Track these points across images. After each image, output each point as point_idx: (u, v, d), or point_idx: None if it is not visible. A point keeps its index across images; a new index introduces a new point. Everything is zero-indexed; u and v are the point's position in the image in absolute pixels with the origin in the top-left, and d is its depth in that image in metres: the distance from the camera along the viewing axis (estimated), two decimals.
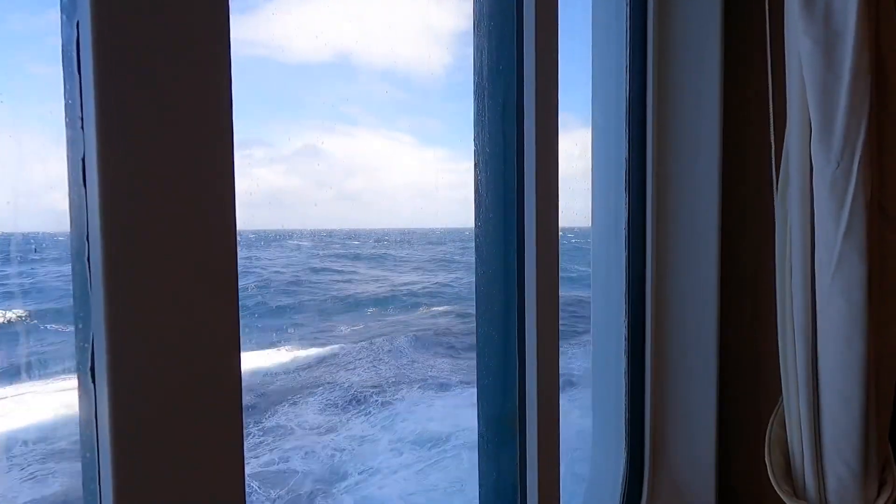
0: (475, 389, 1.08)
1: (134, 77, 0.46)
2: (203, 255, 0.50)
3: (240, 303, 0.53)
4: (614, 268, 1.43)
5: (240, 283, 0.52)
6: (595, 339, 1.50)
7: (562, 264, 1.03)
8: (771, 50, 1.25)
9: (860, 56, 1.01)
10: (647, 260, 1.42)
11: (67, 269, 0.50)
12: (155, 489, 0.48)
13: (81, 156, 0.46)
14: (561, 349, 1.03)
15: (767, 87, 1.25)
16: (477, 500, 1.09)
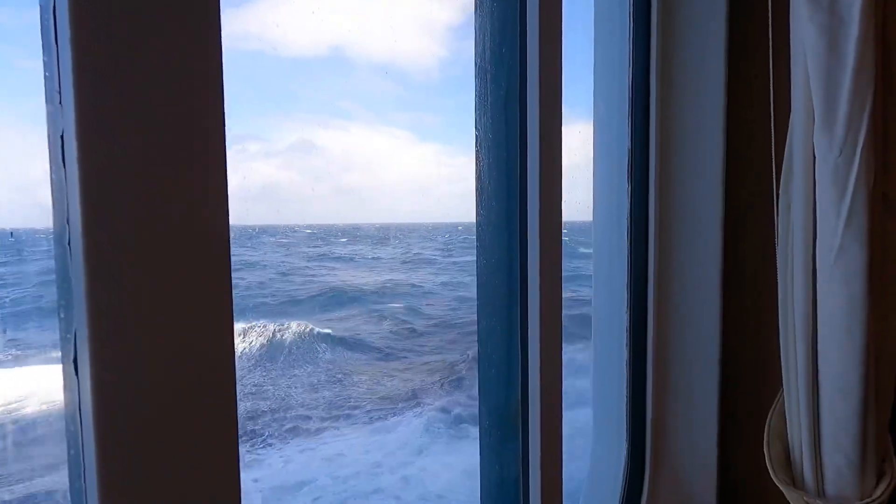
0: None
1: (114, 45, 0.43)
2: (193, 239, 0.47)
3: None
4: (616, 260, 1.42)
5: None
6: (596, 331, 1.49)
7: None
8: (774, 39, 1.23)
9: (865, 41, 1.00)
10: (649, 252, 1.41)
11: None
12: (142, 486, 0.46)
13: (61, 132, 0.43)
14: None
15: (770, 76, 1.24)
16: (479, 494, 1.07)
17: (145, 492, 0.46)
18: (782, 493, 1.25)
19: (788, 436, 1.28)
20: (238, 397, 0.50)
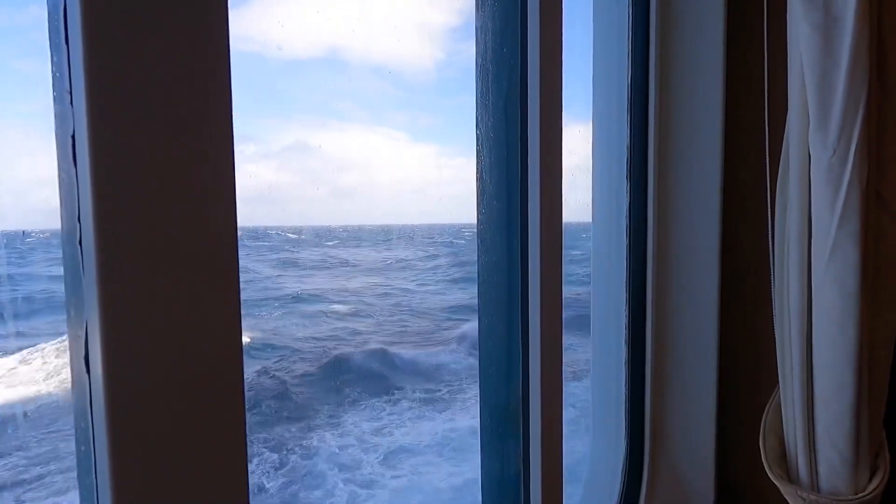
0: None
1: (125, 46, 0.43)
2: (202, 237, 0.47)
3: None
4: (615, 259, 1.42)
5: None
6: (595, 328, 1.49)
7: None
8: (770, 39, 1.24)
9: (859, 40, 1.01)
10: (647, 251, 1.42)
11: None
12: (154, 482, 0.46)
13: (71, 132, 0.43)
14: None
15: (766, 78, 1.25)
16: (479, 492, 1.08)
17: (158, 486, 0.46)
18: (779, 491, 1.27)
19: (784, 431, 1.30)
20: None
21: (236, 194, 0.48)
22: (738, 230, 1.46)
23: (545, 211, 0.94)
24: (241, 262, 0.50)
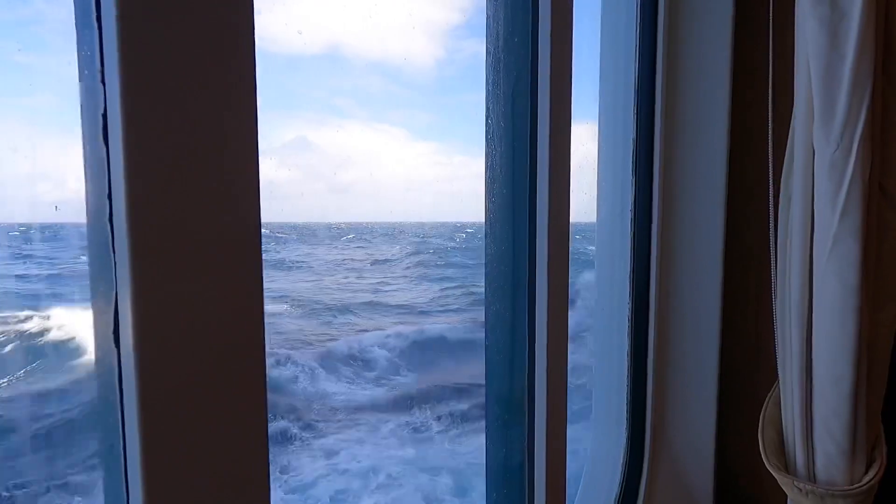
0: None
1: (159, 23, 0.44)
2: (229, 214, 0.48)
3: None
4: (619, 252, 1.43)
5: None
6: (598, 321, 1.51)
7: None
8: (777, 34, 1.25)
9: (865, 34, 1.01)
10: (651, 246, 1.43)
11: None
12: (183, 456, 0.47)
13: (101, 110, 0.44)
14: None
15: (771, 73, 1.25)
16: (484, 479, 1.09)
17: (187, 449, 0.47)
18: (778, 483, 1.28)
19: (782, 423, 1.31)
20: None
21: (260, 174, 0.49)
22: (741, 226, 1.47)
23: (554, 201, 0.95)
24: None
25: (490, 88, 0.97)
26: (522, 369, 1.04)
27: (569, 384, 1.05)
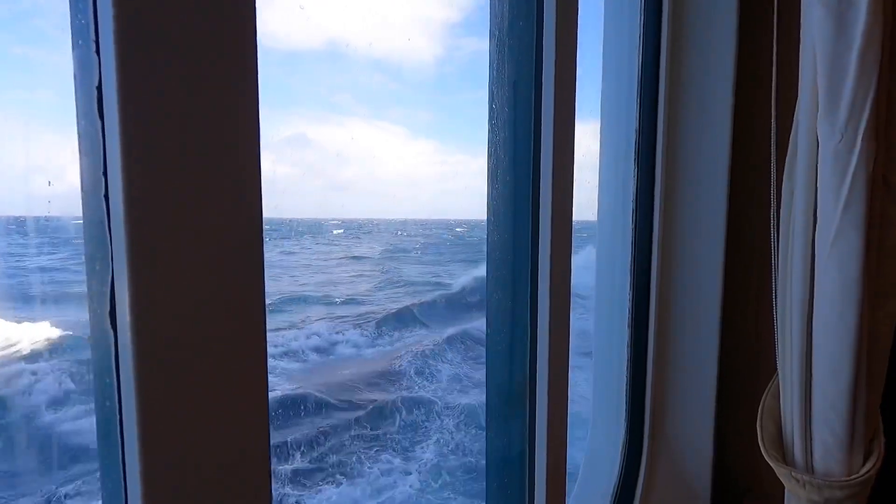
0: None
1: None
2: (229, 190, 0.47)
3: None
4: (620, 244, 1.43)
5: None
6: (598, 314, 1.50)
7: None
8: (781, 26, 1.23)
9: (873, 22, 1.00)
10: (653, 238, 1.42)
11: None
12: (181, 437, 0.46)
13: (96, 83, 0.43)
14: None
15: (775, 66, 1.24)
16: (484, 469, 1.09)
17: (185, 440, 0.46)
18: (775, 475, 1.29)
19: (781, 414, 1.32)
20: None
21: (261, 149, 0.48)
22: (743, 218, 1.47)
23: (557, 190, 0.94)
24: None
25: (494, 74, 0.96)
26: (523, 360, 1.03)
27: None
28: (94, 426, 0.49)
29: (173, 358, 0.45)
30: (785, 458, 1.31)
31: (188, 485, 0.46)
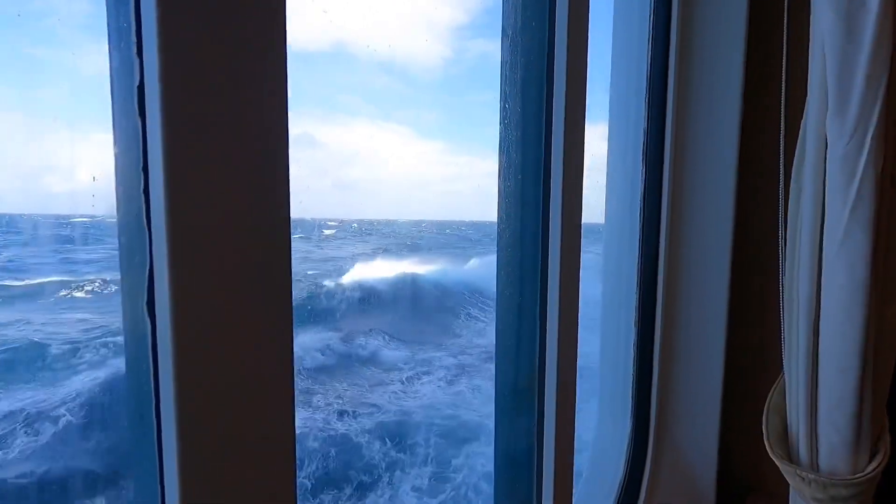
0: None
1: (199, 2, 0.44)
2: (261, 189, 0.49)
3: None
4: (627, 244, 1.44)
5: None
6: (605, 313, 1.51)
7: None
8: (790, 27, 1.24)
9: (883, 24, 1.01)
10: (660, 237, 1.43)
11: None
12: (218, 426, 0.48)
13: (137, 83, 0.45)
14: None
15: (785, 67, 1.25)
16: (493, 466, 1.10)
17: (220, 424, 0.48)
18: (780, 473, 1.29)
19: (787, 412, 1.32)
20: None
21: (289, 145, 0.50)
22: (750, 220, 1.47)
23: (567, 187, 0.95)
24: None
25: (507, 73, 0.97)
26: (532, 356, 1.04)
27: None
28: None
29: (209, 344, 0.47)
30: (790, 456, 1.31)
31: (222, 464, 0.49)
